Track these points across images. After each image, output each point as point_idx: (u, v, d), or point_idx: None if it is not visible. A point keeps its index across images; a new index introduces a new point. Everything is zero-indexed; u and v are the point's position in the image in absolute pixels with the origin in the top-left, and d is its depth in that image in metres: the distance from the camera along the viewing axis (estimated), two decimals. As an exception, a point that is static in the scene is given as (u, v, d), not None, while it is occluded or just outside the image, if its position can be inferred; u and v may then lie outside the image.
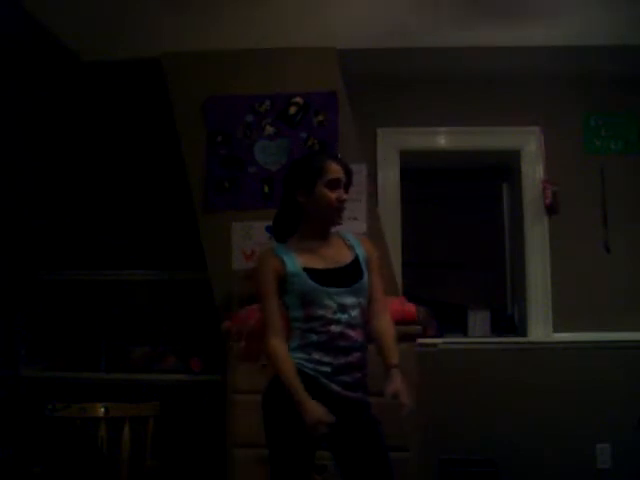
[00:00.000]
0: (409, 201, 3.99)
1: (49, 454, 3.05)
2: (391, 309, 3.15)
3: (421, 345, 3.26)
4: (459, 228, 4.34)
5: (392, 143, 3.94)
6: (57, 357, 3.80)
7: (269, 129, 3.64)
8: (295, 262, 2.10)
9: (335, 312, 2.07)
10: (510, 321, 4.01)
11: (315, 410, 1.96)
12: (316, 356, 2.06)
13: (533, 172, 3.89)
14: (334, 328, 2.07)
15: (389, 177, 3.91)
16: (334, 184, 2.15)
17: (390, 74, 3.88)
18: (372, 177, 3.77)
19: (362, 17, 3.39)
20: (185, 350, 3.75)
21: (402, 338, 3.11)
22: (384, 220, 3.68)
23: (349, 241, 2.26)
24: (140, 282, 3.91)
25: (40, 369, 3.75)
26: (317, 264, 2.11)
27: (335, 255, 2.18)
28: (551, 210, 3.81)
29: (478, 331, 3.90)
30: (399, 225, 3.88)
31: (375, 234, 3.49)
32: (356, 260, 2.19)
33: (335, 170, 2.16)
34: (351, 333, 2.09)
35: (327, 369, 2.06)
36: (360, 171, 3.57)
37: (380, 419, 2.17)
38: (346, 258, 2.19)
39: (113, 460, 2.68)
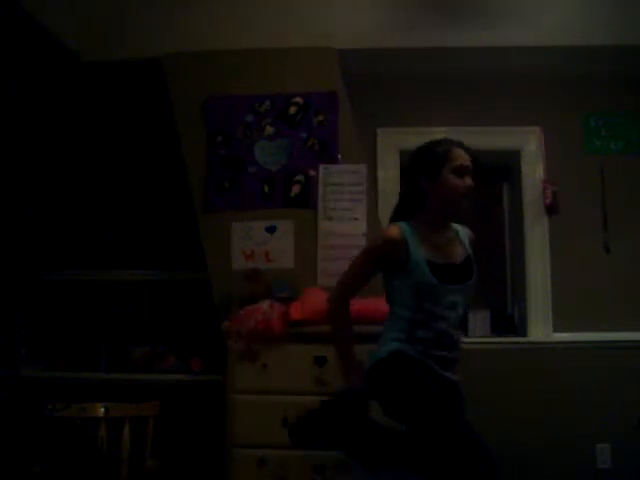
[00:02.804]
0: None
1: (49, 454, 3.05)
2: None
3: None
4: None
5: (392, 143, 3.93)
6: (57, 357, 3.79)
7: (269, 129, 3.64)
8: (419, 250, 2.07)
9: (444, 309, 2.08)
10: (510, 321, 4.00)
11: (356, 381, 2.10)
12: (420, 347, 2.07)
13: (533, 172, 3.89)
14: (441, 325, 2.08)
15: (389, 177, 3.91)
16: (460, 171, 2.11)
17: (390, 74, 3.88)
18: (372, 177, 3.77)
19: (362, 17, 3.39)
20: (185, 350, 3.75)
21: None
22: (384, 220, 3.67)
23: (460, 236, 2.26)
24: (140, 282, 3.91)
25: (40, 369, 3.75)
26: (438, 258, 2.10)
27: (452, 250, 2.18)
28: (551, 210, 3.81)
29: (478, 331, 3.89)
30: (399, 225, 3.88)
31: (375, 234, 3.49)
32: (468, 258, 2.20)
33: (461, 157, 2.12)
34: (452, 331, 2.11)
35: (433, 361, 2.08)
36: (360, 171, 3.58)
37: None
38: (460, 255, 2.19)
39: (113, 460, 2.68)
